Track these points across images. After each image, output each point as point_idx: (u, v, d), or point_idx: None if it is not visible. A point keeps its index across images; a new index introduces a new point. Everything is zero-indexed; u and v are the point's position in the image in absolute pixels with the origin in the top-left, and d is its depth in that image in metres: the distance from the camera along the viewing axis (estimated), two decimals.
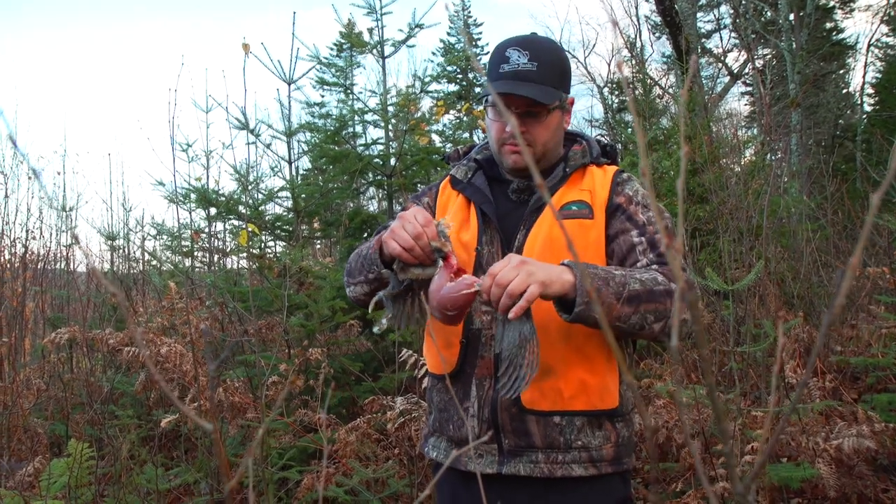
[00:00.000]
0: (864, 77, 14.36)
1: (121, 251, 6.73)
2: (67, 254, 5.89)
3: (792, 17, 14.08)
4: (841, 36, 16.81)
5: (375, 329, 1.45)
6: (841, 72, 17.42)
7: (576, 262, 1.32)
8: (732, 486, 0.29)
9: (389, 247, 1.37)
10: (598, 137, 1.69)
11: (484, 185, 1.60)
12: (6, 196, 5.34)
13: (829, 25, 16.75)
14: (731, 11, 17.16)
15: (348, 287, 1.60)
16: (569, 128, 1.63)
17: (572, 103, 1.59)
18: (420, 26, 4.57)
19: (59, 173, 7.47)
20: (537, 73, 1.47)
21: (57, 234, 5.90)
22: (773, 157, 7.40)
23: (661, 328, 1.35)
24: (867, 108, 15.10)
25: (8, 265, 5.20)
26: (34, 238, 5.65)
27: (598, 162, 1.57)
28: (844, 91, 17.33)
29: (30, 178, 6.16)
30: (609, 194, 1.51)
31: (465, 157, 1.70)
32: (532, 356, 1.28)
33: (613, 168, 1.58)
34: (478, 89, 14.79)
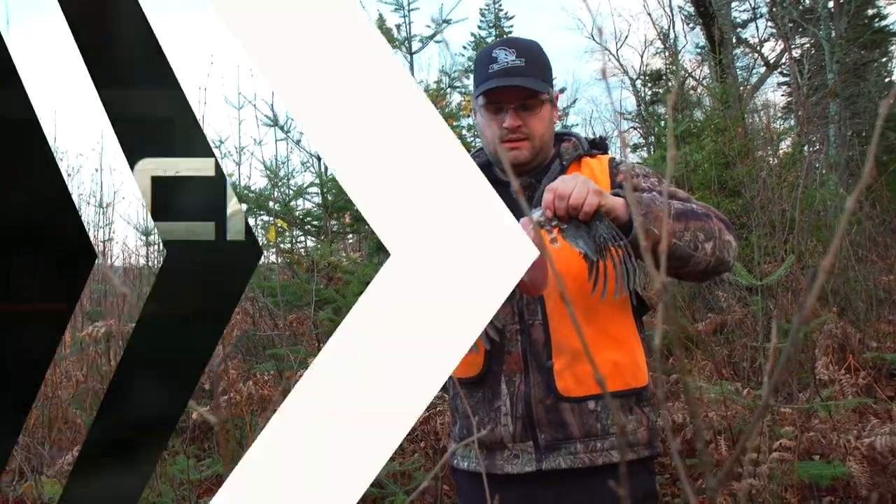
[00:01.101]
0: None
1: (156, 246, 6.86)
2: (104, 249, 6.02)
3: (831, 4, 13.73)
4: (883, 23, 16.34)
5: None
6: (883, 60, 16.93)
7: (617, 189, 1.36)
8: (705, 483, 0.29)
9: None
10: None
11: None
12: None
13: (870, 12, 16.28)
14: (768, 0, 16.80)
15: None
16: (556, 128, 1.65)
17: (558, 98, 1.62)
18: (447, 21, 4.57)
19: (96, 170, 7.64)
20: (526, 68, 1.49)
21: (95, 230, 6.03)
22: (809, 149, 7.24)
23: (713, 249, 1.36)
24: None
25: None
26: None
27: (591, 153, 1.59)
28: (887, 80, 16.84)
29: (69, 175, 6.33)
30: (610, 178, 1.53)
31: None
32: (621, 254, 1.24)
33: (607, 157, 1.59)
34: None
